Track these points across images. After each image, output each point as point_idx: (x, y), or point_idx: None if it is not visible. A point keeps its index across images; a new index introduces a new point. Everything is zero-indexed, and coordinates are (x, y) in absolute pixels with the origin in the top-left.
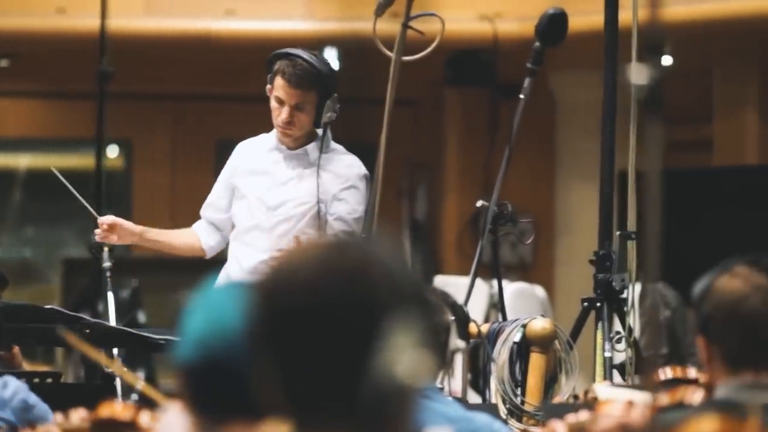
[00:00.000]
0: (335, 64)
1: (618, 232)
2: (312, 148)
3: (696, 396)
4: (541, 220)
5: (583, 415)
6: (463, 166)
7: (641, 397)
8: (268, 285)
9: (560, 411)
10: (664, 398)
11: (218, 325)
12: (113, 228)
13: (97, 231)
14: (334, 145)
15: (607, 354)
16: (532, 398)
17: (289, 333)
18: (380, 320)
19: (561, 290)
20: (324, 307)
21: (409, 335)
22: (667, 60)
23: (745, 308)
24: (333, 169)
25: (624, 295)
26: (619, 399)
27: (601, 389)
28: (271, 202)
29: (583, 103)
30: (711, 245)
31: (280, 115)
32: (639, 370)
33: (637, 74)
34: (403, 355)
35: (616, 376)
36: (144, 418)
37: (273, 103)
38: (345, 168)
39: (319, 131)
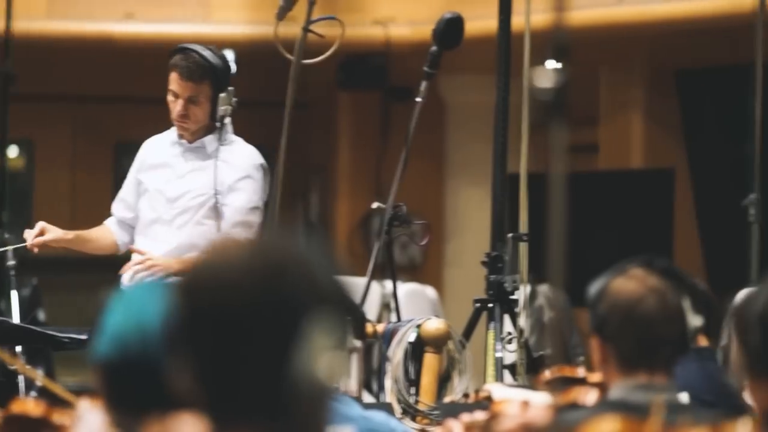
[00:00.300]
0: (233, 67)
1: (510, 234)
2: (210, 140)
3: (589, 396)
4: (430, 221)
5: (479, 415)
6: (355, 168)
7: (536, 397)
8: (189, 282)
9: (456, 410)
10: (559, 398)
11: (138, 322)
12: (45, 242)
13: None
14: (233, 137)
15: (498, 354)
16: (425, 398)
17: (210, 331)
18: (301, 320)
19: (449, 291)
20: (245, 307)
21: (329, 336)
22: (554, 64)
23: (640, 309)
24: (230, 161)
25: (515, 296)
26: (515, 399)
27: (496, 389)
28: (171, 194)
29: (472, 106)
30: (595, 248)
31: (175, 108)
32: (529, 370)
33: (542, 77)
34: (322, 356)
35: (507, 376)
36: (56, 415)
37: (169, 97)
38: (241, 159)
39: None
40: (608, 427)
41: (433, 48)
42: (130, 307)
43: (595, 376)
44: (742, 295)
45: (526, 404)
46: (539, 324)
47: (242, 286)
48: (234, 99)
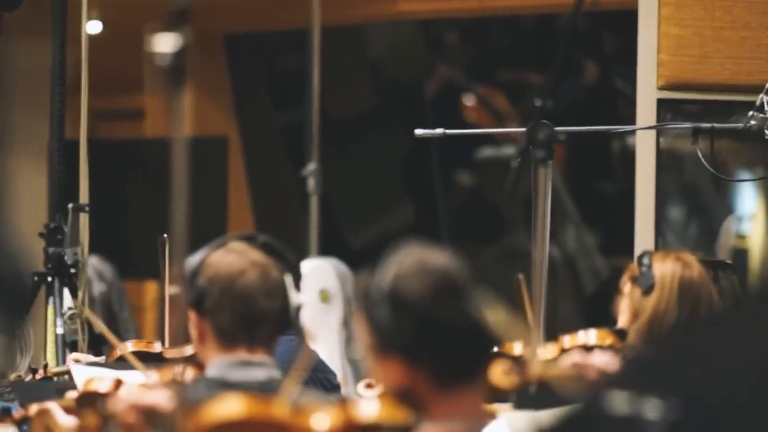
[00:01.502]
0: None
1: (71, 205)
2: None
3: (186, 373)
4: None
5: (70, 395)
6: None
7: (125, 375)
8: None
9: (28, 388)
10: (158, 376)
11: None
12: None
13: None
14: None
15: (60, 330)
16: None
17: None
18: None
19: None
20: None
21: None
22: (96, 26)
23: (240, 283)
24: None
25: (75, 270)
26: (105, 377)
27: (76, 368)
28: None
29: (7, 71)
30: (144, 218)
31: None
32: (90, 346)
33: (162, 42)
34: None
35: (68, 353)
36: None
37: None
38: None
39: None
40: (233, 408)
41: None
42: None
43: (172, 352)
44: (306, 265)
45: (119, 382)
46: (89, 297)
47: None
48: None
